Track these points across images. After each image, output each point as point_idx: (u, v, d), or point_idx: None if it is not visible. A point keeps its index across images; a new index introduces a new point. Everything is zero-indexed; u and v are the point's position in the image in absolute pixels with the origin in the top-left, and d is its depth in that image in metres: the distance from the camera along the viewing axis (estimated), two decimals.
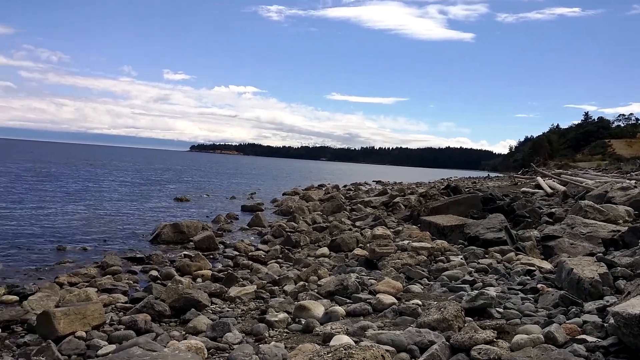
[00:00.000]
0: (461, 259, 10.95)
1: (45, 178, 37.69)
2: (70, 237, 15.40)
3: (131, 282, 10.30)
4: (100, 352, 6.10)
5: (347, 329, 6.15)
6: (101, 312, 7.25)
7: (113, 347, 6.22)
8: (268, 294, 9.01)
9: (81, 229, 16.86)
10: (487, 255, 11.18)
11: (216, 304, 8.42)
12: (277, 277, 10.17)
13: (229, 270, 11.10)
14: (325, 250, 13.47)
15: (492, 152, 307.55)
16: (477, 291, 7.20)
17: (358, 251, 12.73)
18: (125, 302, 8.60)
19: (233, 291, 8.94)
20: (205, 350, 5.78)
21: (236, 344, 6.22)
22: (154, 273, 11.09)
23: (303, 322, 6.92)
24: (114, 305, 8.33)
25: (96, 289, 9.20)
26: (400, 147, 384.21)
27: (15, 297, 8.79)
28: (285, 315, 7.25)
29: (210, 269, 11.46)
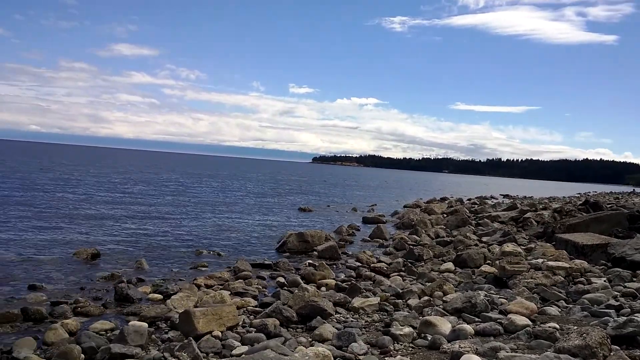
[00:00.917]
0: (604, 281, 9.96)
1: (183, 188, 41.17)
2: (205, 242, 16.61)
3: (260, 287, 10.79)
4: (234, 352, 6.44)
5: (477, 349, 5.85)
6: (235, 314, 7.68)
7: (245, 348, 6.54)
8: (392, 306, 8.90)
9: (215, 236, 18.10)
10: (635, 279, 10.07)
11: (340, 314, 8.50)
12: (401, 291, 10.03)
13: (352, 281, 11.18)
14: (450, 265, 13.03)
15: (637, 164, 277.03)
16: (625, 317, 6.48)
17: (486, 268, 12.13)
18: (256, 306, 9.03)
19: (357, 302, 8.98)
20: (332, 358, 5.85)
21: (362, 354, 6.21)
22: (281, 280, 11.53)
23: (429, 338, 6.72)
24: (245, 309, 8.78)
25: (229, 292, 9.78)
26: (531, 159, 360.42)
27: (160, 296, 9.65)
28: (411, 329, 7.10)
29: (333, 279, 11.64)
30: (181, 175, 62.50)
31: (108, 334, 7.26)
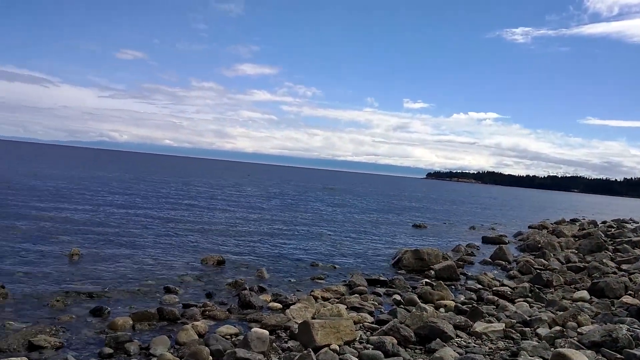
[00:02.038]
0: None
1: (299, 202, 42.42)
2: (321, 255, 16.88)
3: (376, 303, 10.68)
4: None
5: None
6: (352, 328, 7.65)
7: None
8: (518, 334, 8.31)
9: (330, 249, 18.34)
10: None
11: (461, 337, 8.11)
12: (528, 318, 9.33)
13: (473, 304, 10.63)
14: (584, 293, 11.89)
15: None
16: None
17: (627, 299, 10.90)
18: (372, 322, 8.93)
19: (479, 326, 8.51)
20: None
21: None
22: (397, 297, 11.31)
23: None
24: (362, 324, 8.72)
25: (346, 306, 9.79)
26: None
27: (279, 305, 9.94)
28: None
29: (452, 300, 11.18)
30: (297, 189, 64.53)
31: (233, 339, 7.61)
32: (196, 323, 8.05)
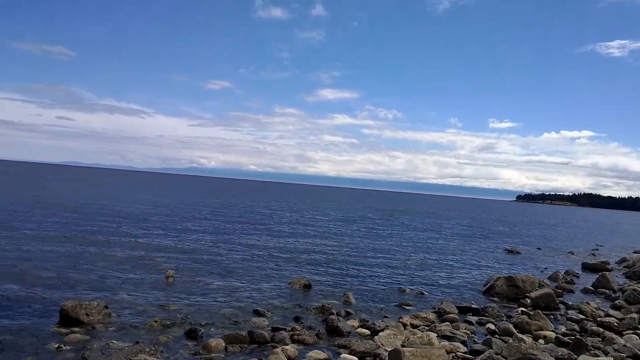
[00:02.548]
0: None
1: (380, 225, 41.98)
2: (408, 280, 16.50)
3: (468, 332, 10.22)
4: None
5: None
6: (445, 358, 7.36)
7: None
8: None
9: (418, 274, 17.90)
10: None
11: None
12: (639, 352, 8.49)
13: (576, 335, 9.86)
14: None
15: None
16: None
17: None
18: (465, 353, 8.54)
19: None
20: None
21: None
22: (491, 327, 10.75)
23: None
24: (454, 354, 8.36)
25: (436, 335, 9.45)
26: None
27: (367, 331, 9.78)
28: None
29: (552, 331, 10.45)
30: (379, 212, 63.99)
31: None
32: (286, 347, 8.11)
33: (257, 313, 10.57)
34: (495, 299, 14.44)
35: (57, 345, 7.76)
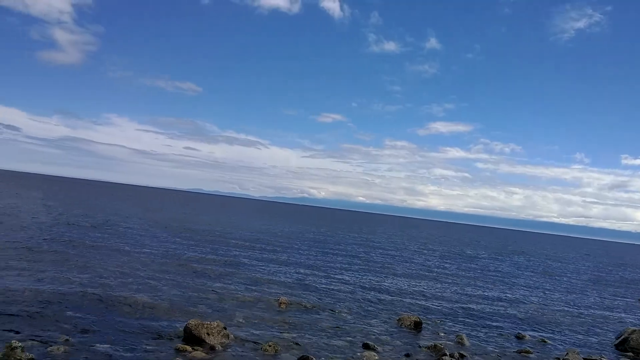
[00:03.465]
0: None
1: (493, 264, 39.75)
2: (528, 324, 15.43)
3: None
4: None
5: None
6: None
7: None
8: None
9: (538, 318, 16.66)
10: None
11: None
12: None
13: None
14: None
15: None
16: None
17: None
18: None
19: None
20: None
21: None
22: None
23: None
24: None
25: None
26: None
27: None
28: None
29: None
30: (493, 250, 60.72)
31: None
32: None
33: (366, 347, 10.49)
34: (630, 353, 12.99)
35: None
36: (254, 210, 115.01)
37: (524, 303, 19.79)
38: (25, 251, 17.35)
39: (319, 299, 15.53)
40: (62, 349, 8.20)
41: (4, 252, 16.70)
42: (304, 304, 14.45)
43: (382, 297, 17.24)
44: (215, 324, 10.03)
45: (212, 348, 9.28)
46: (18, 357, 7.46)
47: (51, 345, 8.28)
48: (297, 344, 10.20)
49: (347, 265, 25.17)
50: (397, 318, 13.81)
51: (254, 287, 16.01)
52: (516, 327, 14.78)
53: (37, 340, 8.46)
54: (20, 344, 7.67)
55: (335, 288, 17.89)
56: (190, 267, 18.42)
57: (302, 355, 9.18)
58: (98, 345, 8.62)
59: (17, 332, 8.79)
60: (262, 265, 21.28)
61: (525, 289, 24.56)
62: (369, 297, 16.88)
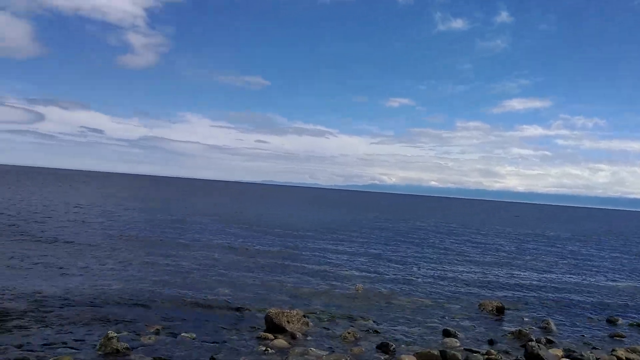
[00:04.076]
0: None
1: (589, 245, 37.67)
2: (619, 309, 14.52)
3: None
4: None
5: None
6: None
7: None
8: None
9: (631, 302, 15.63)
10: None
11: None
12: None
13: None
14: None
15: None
16: None
17: None
18: None
19: None
20: None
21: None
22: None
23: None
24: None
25: None
26: None
27: None
28: None
29: None
30: (579, 231, 57.56)
31: None
32: None
33: (447, 333, 10.28)
34: None
35: (264, 349, 8.52)
36: (324, 200, 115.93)
37: (614, 287, 18.61)
38: (111, 247, 18.56)
39: (395, 286, 15.42)
40: (152, 338, 8.67)
41: (92, 248, 17.90)
42: (380, 291, 14.41)
43: (461, 283, 16.85)
44: (295, 312, 10.21)
45: (293, 336, 9.46)
46: (115, 347, 7.96)
47: (143, 336, 8.77)
48: (376, 331, 10.19)
49: (421, 252, 24.82)
50: (478, 303, 13.43)
51: (329, 276, 16.16)
52: (605, 312, 13.95)
53: (130, 331, 8.98)
54: (115, 334, 8.17)
55: (411, 275, 17.69)
56: (265, 258, 18.88)
57: (382, 342, 9.15)
58: (185, 334, 9.03)
59: (113, 324, 9.38)
60: (336, 254, 21.43)
61: (614, 272, 23.10)
62: (447, 284, 16.55)
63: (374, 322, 11.02)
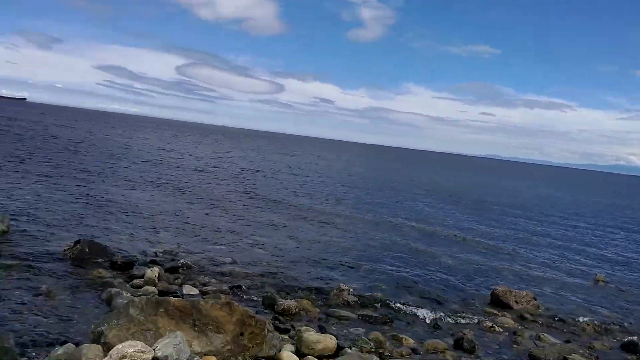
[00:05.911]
0: None
1: None
2: None
3: None
4: None
5: None
6: None
7: None
8: None
9: None
10: None
11: None
12: None
13: None
14: None
15: None
16: None
17: None
18: None
19: None
20: None
21: None
22: None
23: None
24: None
25: None
26: None
27: None
28: None
29: None
30: None
31: None
32: None
33: None
34: None
35: (490, 325, 8.24)
36: (557, 179, 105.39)
37: None
38: (331, 210, 19.85)
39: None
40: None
41: (308, 213, 19.43)
42: (627, 285, 12.62)
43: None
44: (525, 293, 9.65)
45: (521, 316, 8.95)
46: (346, 299, 8.66)
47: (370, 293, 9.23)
48: (622, 327, 9.00)
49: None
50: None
51: (563, 262, 14.75)
52: None
53: (356, 286, 9.52)
54: (346, 287, 8.87)
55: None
56: (490, 238, 18.07)
57: (629, 341, 8.05)
58: (413, 306, 9.00)
59: (337, 280, 10.08)
60: (573, 238, 19.47)
61: None
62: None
63: (616, 316, 9.75)
